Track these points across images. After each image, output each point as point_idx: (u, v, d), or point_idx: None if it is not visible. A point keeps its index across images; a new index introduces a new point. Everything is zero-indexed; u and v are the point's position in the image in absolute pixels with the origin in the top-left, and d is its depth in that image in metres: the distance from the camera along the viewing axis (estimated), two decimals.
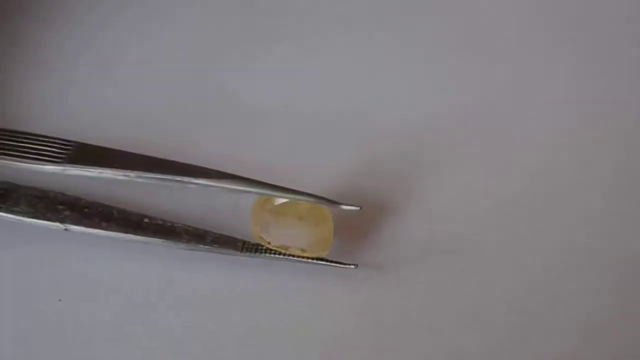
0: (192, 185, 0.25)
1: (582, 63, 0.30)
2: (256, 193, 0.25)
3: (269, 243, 0.25)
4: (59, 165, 0.25)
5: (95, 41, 0.31)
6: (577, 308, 0.26)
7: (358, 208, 0.25)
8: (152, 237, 0.26)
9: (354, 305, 0.26)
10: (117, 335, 0.26)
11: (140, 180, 0.25)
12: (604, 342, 0.25)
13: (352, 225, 0.27)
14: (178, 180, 0.25)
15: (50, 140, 0.26)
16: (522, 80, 0.30)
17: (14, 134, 0.26)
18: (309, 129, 0.29)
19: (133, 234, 0.26)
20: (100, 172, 0.25)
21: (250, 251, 0.26)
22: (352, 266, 0.26)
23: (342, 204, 0.25)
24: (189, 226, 0.26)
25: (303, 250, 0.25)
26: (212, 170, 0.25)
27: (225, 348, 0.25)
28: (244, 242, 0.26)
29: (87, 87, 0.30)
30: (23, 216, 0.26)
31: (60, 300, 0.26)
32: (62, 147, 0.26)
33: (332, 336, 0.26)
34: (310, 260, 0.26)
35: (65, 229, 0.26)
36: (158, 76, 0.30)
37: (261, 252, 0.26)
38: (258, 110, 0.29)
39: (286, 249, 0.25)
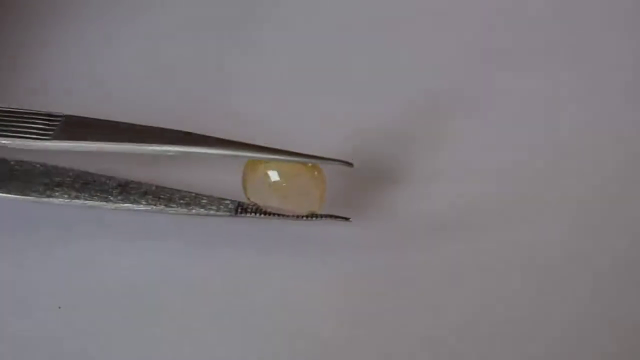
0: (185, 154, 0.25)
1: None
2: (245, 156, 0.25)
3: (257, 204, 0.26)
4: (46, 142, 0.24)
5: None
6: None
7: (350, 165, 0.25)
8: (153, 204, 0.26)
9: (344, 272, 0.26)
10: (118, 344, 0.25)
11: (129, 151, 0.25)
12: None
13: (347, 195, 0.27)
14: (172, 150, 0.24)
15: (34, 114, 0.25)
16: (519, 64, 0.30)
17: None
18: (307, 99, 0.29)
19: (136, 202, 0.26)
20: (89, 146, 0.25)
21: (245, 211, 0.26)
22: (346, 219, 0.25)
23: (332, 160, 0.25)
24: (185, 190, 0.26)
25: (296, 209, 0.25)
26: (204, 136, 0.25)
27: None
28: (239, 204, 0.26)
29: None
30: (13, 194, 0.26)
31: (59, 307, 0.25)
32: (48, 120, 0.25)
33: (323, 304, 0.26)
34: (304, 217, 0.26)
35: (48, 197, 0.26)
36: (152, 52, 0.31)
37: (255, 213, 0.26)
38: (255, 82, 0.30)
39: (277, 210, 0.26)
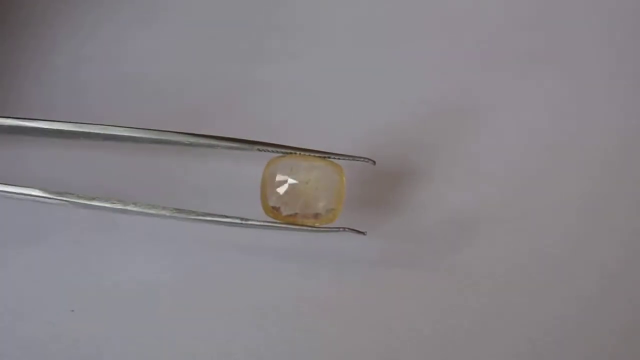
0: (208, 146, 0.25)
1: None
2: (268, 152, 0.25)
3: (277, 212, 0.25)
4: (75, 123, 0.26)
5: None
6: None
7: (372, 162, 0.25)
8: (165, 209, 0.26)
9: (364, 275, 0.26)
10: (132, 346, 0.25)
11: (148, 137, 0.25)
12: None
13: (366, 195, 0.27)
14: (194, 141, 0.25)
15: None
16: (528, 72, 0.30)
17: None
18: (328, 100, 0.29)
19: (149, 208, 0.26)
20: (119, 130, 0.25)
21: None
22: (362, 233, 0.25)
23: (355, 157, 0.25)
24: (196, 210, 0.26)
25: (314, 216, 0.25)
26: (225, 137, 0.25)
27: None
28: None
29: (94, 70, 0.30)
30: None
31: (72, 310, 0.26)
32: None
33: (342, 308, 0.26)
34: (318, 228, 0.25)
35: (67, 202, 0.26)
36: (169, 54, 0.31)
37: (269, 222, 0.25)
38: (274, 82, 0.30)
39: (294, 217, 0.25)
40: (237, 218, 0.25)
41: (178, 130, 0.26)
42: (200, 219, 0.25)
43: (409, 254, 0.26)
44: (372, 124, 0.28)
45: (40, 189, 0.26)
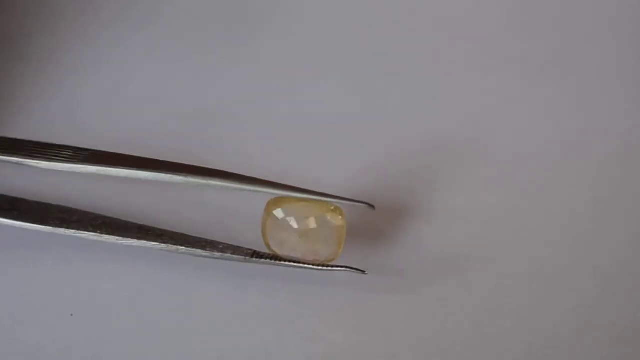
0: (207, 186, 0.25)
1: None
2: (267, 193, 0.25)
3: (276, 251, 0.26)
4: (74, 164, 0.25)
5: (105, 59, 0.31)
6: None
7: (372, 207, 0.25)
8: (170, 243, 0.26)
9: (364, 313, 0.26)
10: (130, 351, 0.25)
11: (154, 178, 0.25)
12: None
13: (365, 230, 0.27)
14: (192, 182, 0.25)
15: (63, 146, 0.26)
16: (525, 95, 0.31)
17: (27, 142, 0.27)
18: (325, 135, 0.29)
19: (151, 240, 0.26)
20: (116, 172, 0.25)
21: (261, 258, 0.26)
22: (362, 272, 0.25)
23: (355, 201, 0.25)
24: (201, 237, 0.26)
25: (314, 253, 0.25)
26: (225, 172, 0.25)
27: None
28: (254, 252, 0.26)
29: (97, 104, 0.30)
30: (31, 223, 0.26)
31: (72, 314, 0.26)
32: (75, 152, 0.26)
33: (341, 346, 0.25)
34: (319, 267, 0.25)
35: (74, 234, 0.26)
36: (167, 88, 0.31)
37: (270, 259, 0.26)
38: (273, 118, 0.30)
39: (294, 254, 0.25)
40: (249, 250, 0.26)
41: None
42: (207, 256, 0.26)
43: (405, 276, 0.27)
44: (368, 159, 0.29)
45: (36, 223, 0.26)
